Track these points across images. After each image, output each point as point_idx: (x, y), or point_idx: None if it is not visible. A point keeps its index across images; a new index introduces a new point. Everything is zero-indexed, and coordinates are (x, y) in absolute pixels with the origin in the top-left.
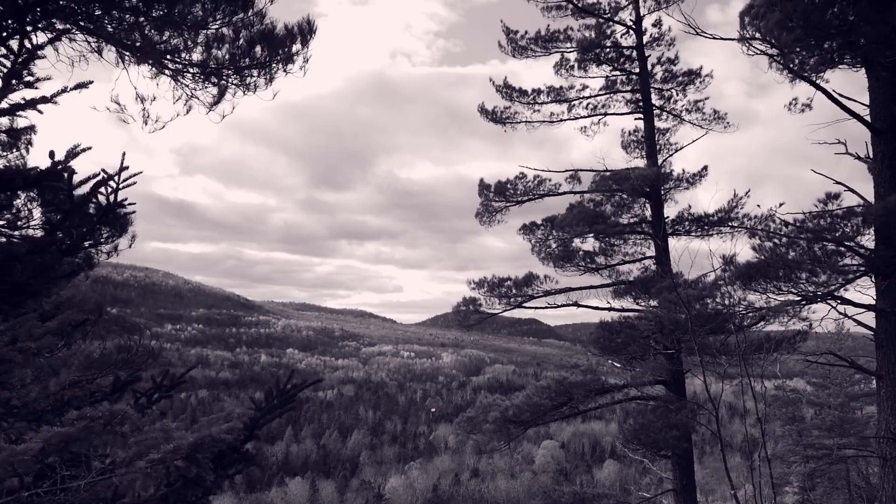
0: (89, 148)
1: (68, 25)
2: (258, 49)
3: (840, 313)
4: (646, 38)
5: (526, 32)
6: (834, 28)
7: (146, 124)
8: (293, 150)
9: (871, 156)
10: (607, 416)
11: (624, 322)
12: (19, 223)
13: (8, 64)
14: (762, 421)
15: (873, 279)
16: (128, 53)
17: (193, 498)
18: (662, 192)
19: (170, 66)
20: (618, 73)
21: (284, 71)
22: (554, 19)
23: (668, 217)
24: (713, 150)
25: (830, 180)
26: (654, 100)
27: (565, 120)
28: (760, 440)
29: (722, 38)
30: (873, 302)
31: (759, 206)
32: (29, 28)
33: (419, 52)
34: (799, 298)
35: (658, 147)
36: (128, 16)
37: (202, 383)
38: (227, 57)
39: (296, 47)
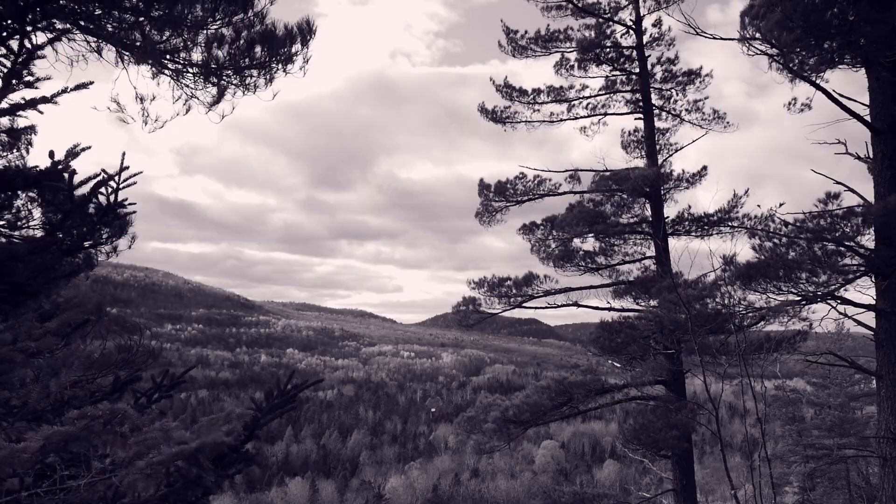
0: (88, 147)
1: (68, 25)
2: (258, 49)
3: (840, 313)
4: (646, 38)
5: (526, 32)
6: (834, 28)
7: (146, 125)
8: (293, 150)
9: (871, 156)
10: (607, 416)
11: (624, 322)
12: (19, 223)
13: (8, 64)
14: (762, 421)
15: (873, 279)
16: (127, 53)
17: (193, 498)
18: (662, 192)
19: (169, 66)
20: (618, 73)
21: (284, 71)
22: (554, 19)
23: (668, 217)
24: (713, 150)
25: (830, 180)
26: (654, 100)
27: (565, 120)
28: (760, 440)
29: (722, 38)
30: (873, 302)
31: (759, 206)
32: (29, 28)
33: (419, 52)
34: (799, 298)
35: (658, 147)
36: (128, 15)
37: (202, 383)
38: (226, 57)
39: (295, 48)
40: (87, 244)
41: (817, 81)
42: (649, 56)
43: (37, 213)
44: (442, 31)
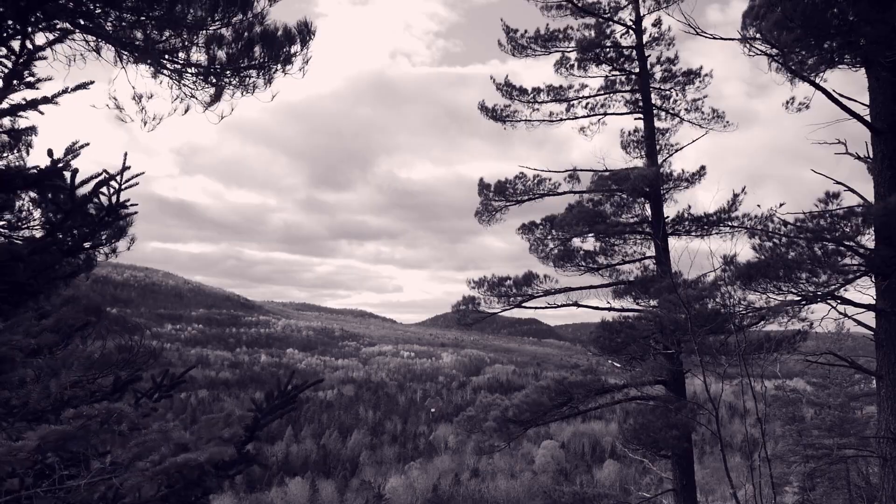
0: (87, 144)
1: (68, 25)
2: (257, 50)
3: (840, 313)
4: (645, 38)
5: (526, 31)
6: (834, 28)
7: (145, 125)
8: (293, 150)
9: (871, 156)
10: (607, 416)
11: (624, 322)
12: (19, 223)
13: (9, 64)
14: (762, 421)
15: (873, 279)
16: (126, 53)
17: (193, 498)
18: (662, 192)
19: (168, 65)
20: (617, 72)
21: (283, 72)
22: (553, 18)
23: (667, 217)
24: (713, 150)
25: (830, 180)
26: (654, 99)
27: (565, 119)
28: (760, 440)
29: (722, 38)
30: (873, 302)
31: (759, 205)
32: (30, 29)
33: (419, 52)
34: (799, 298)
35: (658, 147)
36: (127, 15)
37: (202, 383)
38: (226, 58)
39: (295, 48)
40: (87, 245)
41: (817, 81)
42: (649, 56)
43: (37, 213)
44: (442, 31)
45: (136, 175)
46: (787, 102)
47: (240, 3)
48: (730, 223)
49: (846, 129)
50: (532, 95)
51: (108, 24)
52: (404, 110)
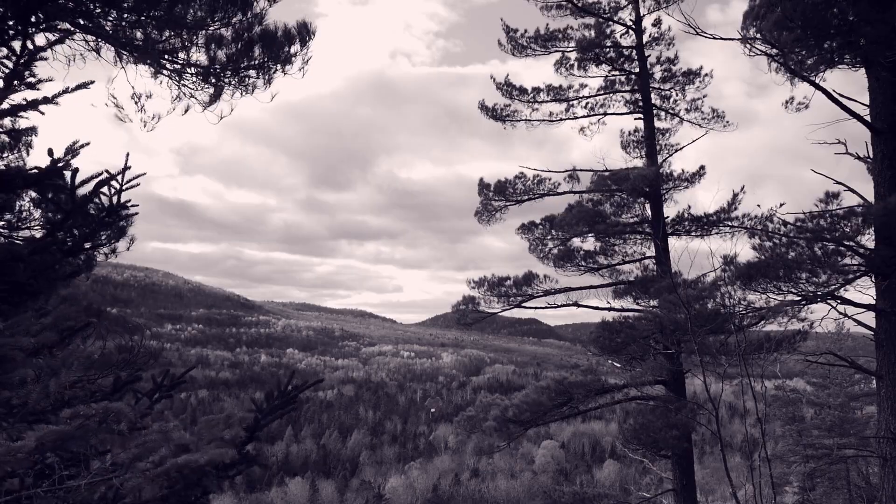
0: (87, 143)
1: (68, 25)
2: (257, 50)
3: (840, 313)
4: (645, 38)
5: (526, 31)
6: (834, 28)
7: (145, 125)
8: (293, 150)
9: (871, 156)
10: (607, 416)
11: (624, 322)
12: (20, 223)
13: (10, 65)
14: (762, 421)
15: (873, 279)
16: (126, 52)
17: (193, 498)
18: (662, 192)
19: (168, 65)
20: (617, 72)
21: (283, 72)
22: (553, 18)
23: (667, 217)
24: (713, 150)
25: (830, 180)
26: (654, 99)
27: (564, 119)
28: (760, 440)
29: (722, 38)
30: (873, 302)
31: (759, 205)
32: (31, 29)
33: (419, 52)
34: (799, 298)
35: (658, 147)
36: (127, 15)
37: (202, 383)
38: (225, 58)
39: (294, 49)
40: (87, 245)
41: (817, 81)
42: (649, 56)
43: (37, 213)
44: (442, 31)
45: (138, 175)
46: (787, 102)
47: (240, 4)
48: (730, 223)
49: (846, 129)
50: (532, 95)
51: (108, 24)
52: (404, 110)
